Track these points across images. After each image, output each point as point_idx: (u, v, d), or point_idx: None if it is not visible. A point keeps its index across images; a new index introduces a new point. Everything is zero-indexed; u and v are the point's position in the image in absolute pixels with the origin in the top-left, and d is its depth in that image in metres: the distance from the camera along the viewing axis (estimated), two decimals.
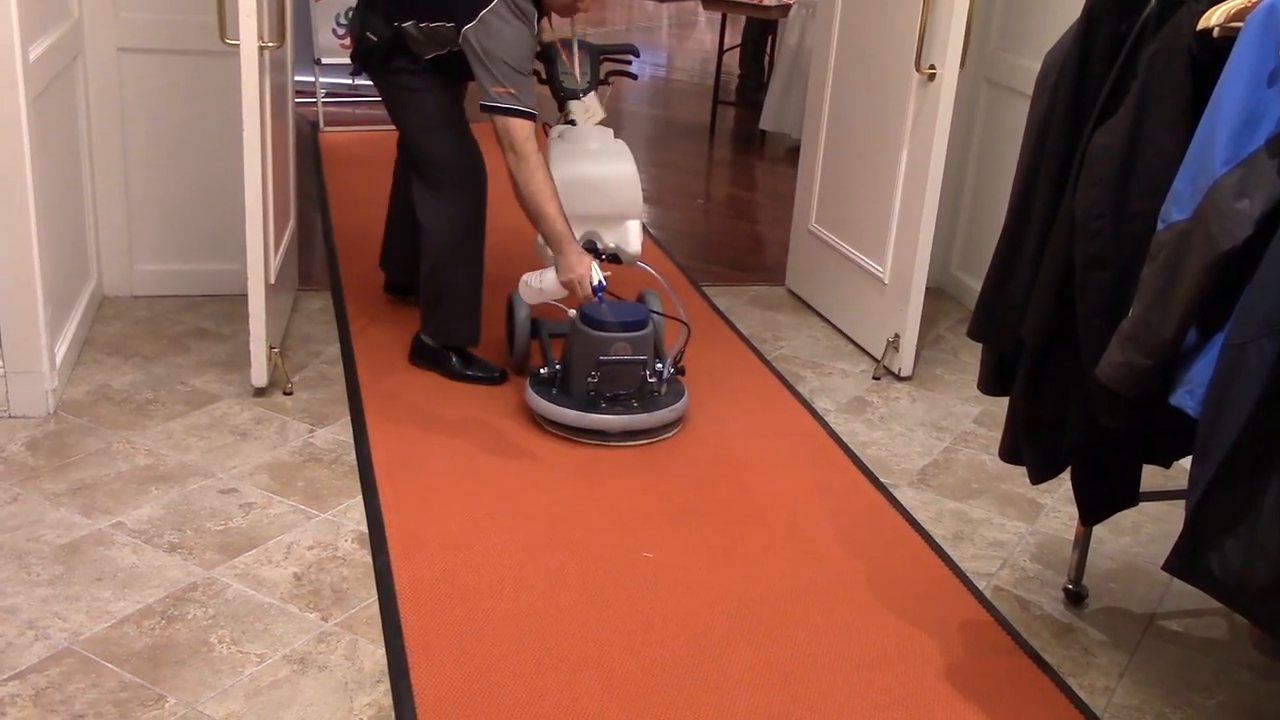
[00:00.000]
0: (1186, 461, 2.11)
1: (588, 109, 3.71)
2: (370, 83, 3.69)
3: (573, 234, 3.32)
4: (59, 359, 3.38)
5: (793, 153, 6.30)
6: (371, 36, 3.44)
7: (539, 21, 3.36)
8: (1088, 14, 2.29)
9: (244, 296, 3.40)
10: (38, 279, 3.18)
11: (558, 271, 3.30)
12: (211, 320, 3.99)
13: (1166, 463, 2.56)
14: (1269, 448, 1.79)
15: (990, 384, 2.64)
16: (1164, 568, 1.98)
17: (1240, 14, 1.97)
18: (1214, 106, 1.96)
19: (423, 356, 3.74)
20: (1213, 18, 2.02)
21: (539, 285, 3.37)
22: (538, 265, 3.57)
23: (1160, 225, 2.04)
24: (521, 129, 3.23)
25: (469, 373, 3.68)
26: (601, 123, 3.88)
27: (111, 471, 3.06)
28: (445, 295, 3.64)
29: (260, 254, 3.34)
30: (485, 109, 3.25)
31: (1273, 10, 1.89)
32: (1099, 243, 2.18)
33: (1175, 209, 2.01)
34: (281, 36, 3.47)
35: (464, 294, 3.65)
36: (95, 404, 3.39)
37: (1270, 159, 1.89)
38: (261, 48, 3.20)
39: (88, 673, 2.34)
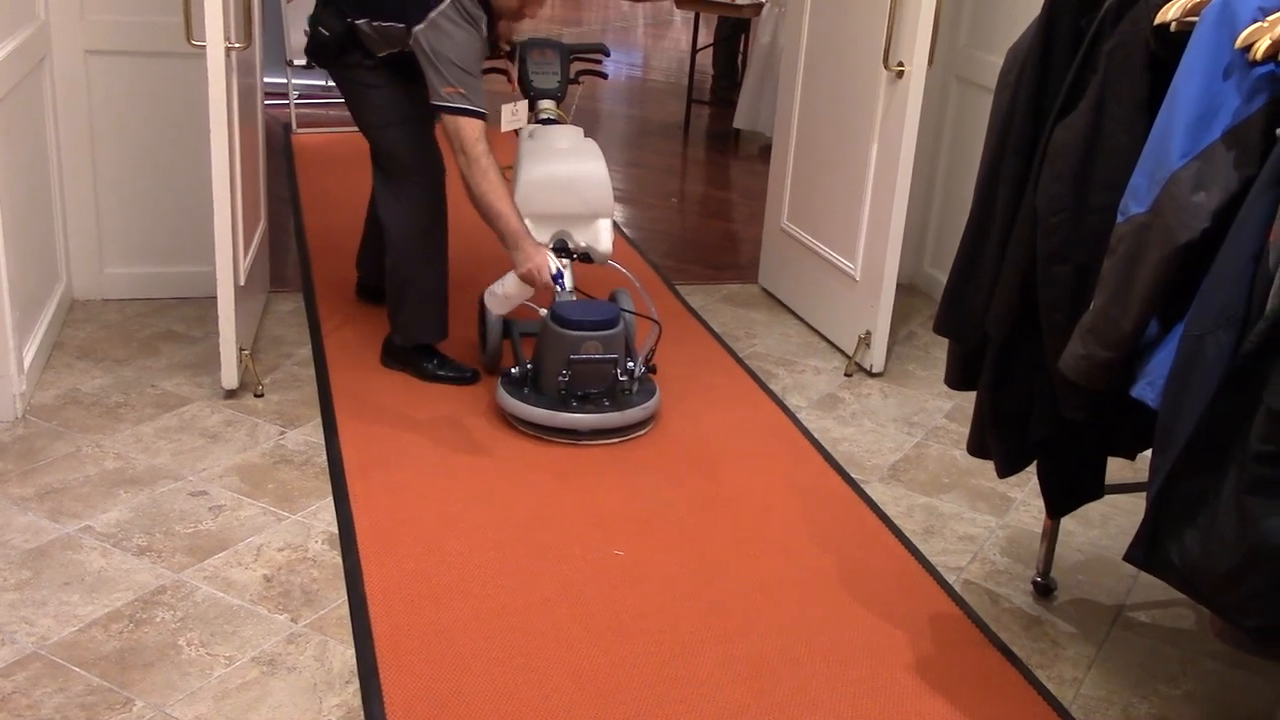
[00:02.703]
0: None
1: (515, 113, 3.70)
2: None
3: (527, 229, 3.33)
4: (27, 363, 3.36)
5: (766, 151, 6.30)
6: (324, 31, 3.45)
7: (489, 25, 3.36)
8: (1048, 9, 2.31)
9: (214, 299, 3.38)
10: (5, 282, 3.16)
11: (515, 266, 3.31)
12: (182, 323, 3.98)
13: (1130, 455, 2.57)
14: (1226, 438, 1.80)
15: (957, 379, 2.66)
16: (1125, 558, 2.00)
17: (1196, 8, 1.99)
18: (1170, 100, 1.97)
19: (393, 358, 3.74)
20: (1169, 12, 2.03)
21: (503, 292, 3.36)
22: (509, 263, 3.56)
23: (1119, 219, 2.06)
24: (472, 129, 3.25)
25: (440, 373, 3.67)
26: (572, 122, 3.89)
27: (80, 475, 3.04)
28: (408, 294, 3.63)
29: (229, 256, 3.33)
30: (436, 108, 3.27)
31: (1227, 4, 1.90)
32: (1060, 237, 2.20)
33: (1134, 203, 2.02)
34: (249, 38, 3.46)
35: (427, 292, 3.65)
36: (64, 408, 3.37)
37: (1226, 152, 1.91)
38: (228, 49, 3.19)
39: (55, 677, 2.33)
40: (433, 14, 3.20)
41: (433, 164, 3.58)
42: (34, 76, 3.60)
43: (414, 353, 3.70)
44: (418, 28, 3.22)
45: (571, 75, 3.94)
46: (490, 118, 3.33)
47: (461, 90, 3.23)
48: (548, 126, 3.76)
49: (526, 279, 3.29)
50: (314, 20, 3.50)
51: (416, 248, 3.60)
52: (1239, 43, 1.88)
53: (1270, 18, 1.85)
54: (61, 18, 3.78)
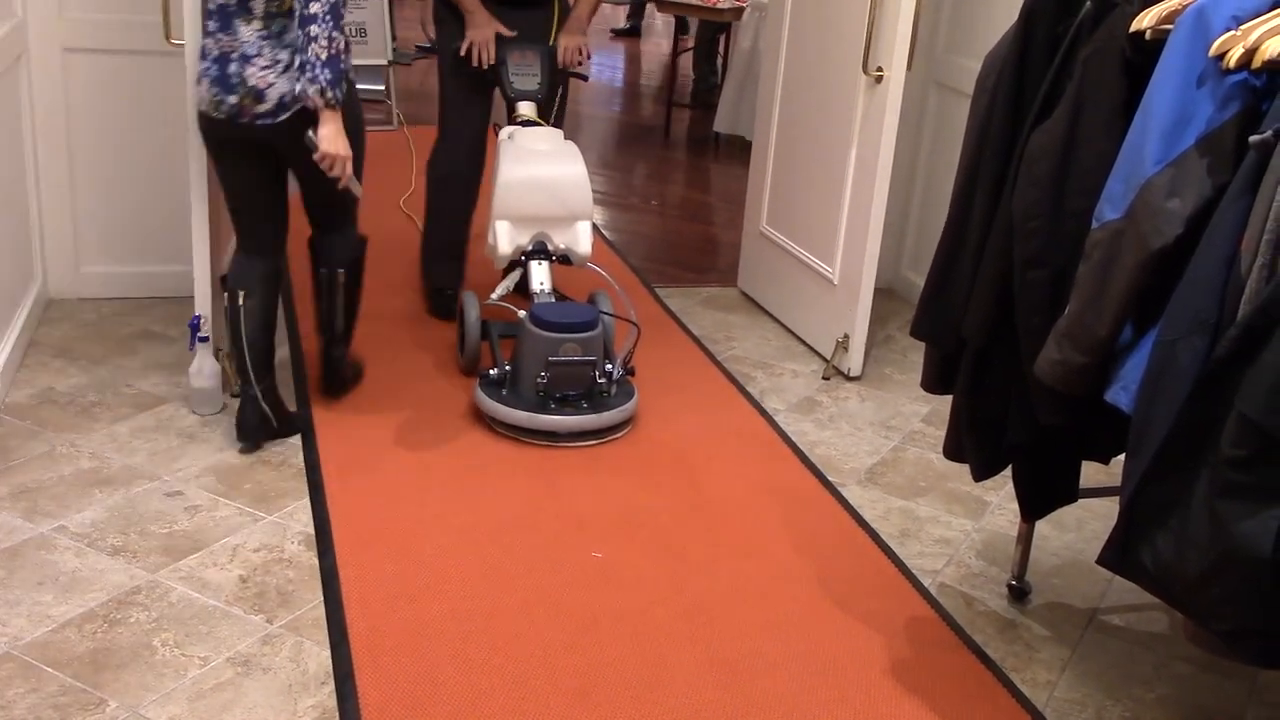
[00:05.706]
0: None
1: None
2: None
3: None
4: (2, 361, 3.34)
5: (747, 155, 6.32)
6: None
7: None
8: (1025, 16, 2.32)
9: (192, 298, 3.37)
10: None
11: (470, 31, 3.77)
12: (159, 322, 3.96)
13: (1105, 459, 2.59)
14: (1199, 442, 1.82)
15: (933, 383, 2.67)
16: (1098, 561, 2.01)
17: (1171, 16, 2.01)
18: (1145, 107, 1.99)
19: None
20: (1145, 20, 2.05)
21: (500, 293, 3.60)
22: (490, 268, 3.56)
23: (1095, 224, 2.07)
24: None
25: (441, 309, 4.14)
26: (554, 124, 3.90)
27: (55, 475, 3.02)
28: (424, 237, 4.20)
29: (206, 255, 3.31)
30: None
31: (1201, 12, 1.92)
32: (1036, 242, 2.21)
33: (1109, 208, 2.04)
34: None
35: (433, 241, 4.15)
36: (39, 407, 3.35)
37: (1200, 159, 1.93)
38: None
39: (27, 677, 2.32)
40: None
41: (465, 135, 3.98)
42: (11, 74, 3.58)
43: (431, 294, 4.20)
44: None
45: None
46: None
47: None
48: (527, 128, 3.76)
49: (479, 43, 3.73)
50: None
51: (431, 198, 4.08)
52: (1213, 51, 1.89)
53: (1244, 26, 1.87)
54: (39, 15, 3.76)
